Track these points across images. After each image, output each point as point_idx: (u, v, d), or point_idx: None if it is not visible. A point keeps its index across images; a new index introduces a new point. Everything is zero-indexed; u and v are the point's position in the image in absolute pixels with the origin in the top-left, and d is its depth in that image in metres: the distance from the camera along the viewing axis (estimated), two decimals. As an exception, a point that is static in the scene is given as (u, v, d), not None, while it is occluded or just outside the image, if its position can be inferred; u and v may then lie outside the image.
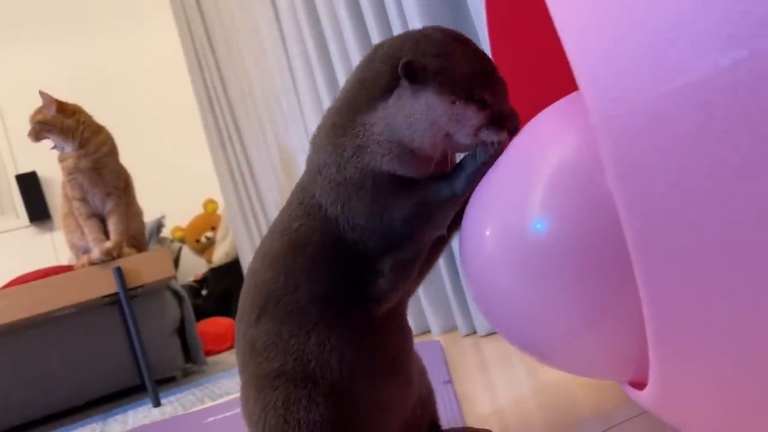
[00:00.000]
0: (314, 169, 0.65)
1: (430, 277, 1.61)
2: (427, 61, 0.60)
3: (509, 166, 0.59)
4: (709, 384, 0.39)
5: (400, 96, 0.61)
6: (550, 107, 0.62)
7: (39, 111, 2.12)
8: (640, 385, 0.52)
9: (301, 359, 0.60)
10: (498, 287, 0.58)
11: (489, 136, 0.60)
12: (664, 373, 0.41)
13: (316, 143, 0.66)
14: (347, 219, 0.62)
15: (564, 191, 0.51)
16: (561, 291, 0.53)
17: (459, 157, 0.66)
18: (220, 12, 2.69)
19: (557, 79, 0.67)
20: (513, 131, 0.61)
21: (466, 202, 0.63)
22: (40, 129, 2.10)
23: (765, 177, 0.28)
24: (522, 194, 0.55)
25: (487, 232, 0.58)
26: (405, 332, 0.68)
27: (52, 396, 2.28)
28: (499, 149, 0.60)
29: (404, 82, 0.60)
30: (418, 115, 0.60)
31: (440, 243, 0.68)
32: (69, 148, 2.11)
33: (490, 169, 0.61)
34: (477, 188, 0.62)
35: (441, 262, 1.51)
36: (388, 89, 0.61)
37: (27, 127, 2.13)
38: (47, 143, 2.17)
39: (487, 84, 0.61)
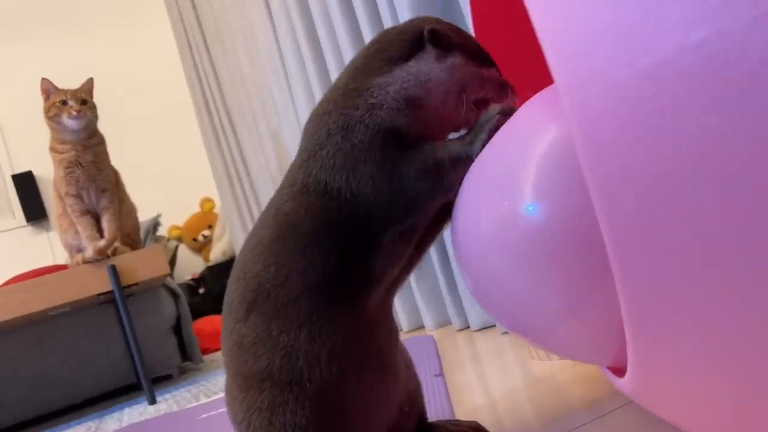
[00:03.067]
0: (314, 144, 0.63)
1: (423, 272, 1.61)
2: (451, 33, 0.66)
3: (502, 149, 0.58)
4: (685, 369, 0.39)
5: (422, 59, 0.65)
6: (541, 93, 0.62)
7: (86, 91, 2.11)
8: (622, 371, 0.52)
9: (290, 356, 0.58)
10: (491, 271, 0.57)
11: (509, 91, 0.68)
12: (641, 360, 0.41)
13: (318, 114, 0.65)
14: (351, 188, 0.60)
15: (556, 175, 0.51)
16: (550, 274, 0.52)
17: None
18: (213, 10, 2.69)
19: (540, 70, 0.67)
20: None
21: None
22: (90, 109, 2.08)
23: (731, 156, 0.28)
24: (515, 177, 0.54)
25: (480, 216, 0.57)
26: (391, 328, 0.67)
27: (48, 395, 2.28)
28: (507, 112, 0.62)
29: (429, 47, 0.65)
30: (443, 74, 0.64)
31: (432, 230, 0.67)
32: (81, 135, 2.08)
33: (482, 153, 0.61)
34: (469, 171, 0.61)
35: (434, 258, 1.51)
36: (408, 55, 0.65)
37: (23, 126, 2.12)
38: (45, 141, 2.14)
39: (492, 61, 0.69)
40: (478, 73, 0.66)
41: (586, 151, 0.32)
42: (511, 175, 0.55)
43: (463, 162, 0.61)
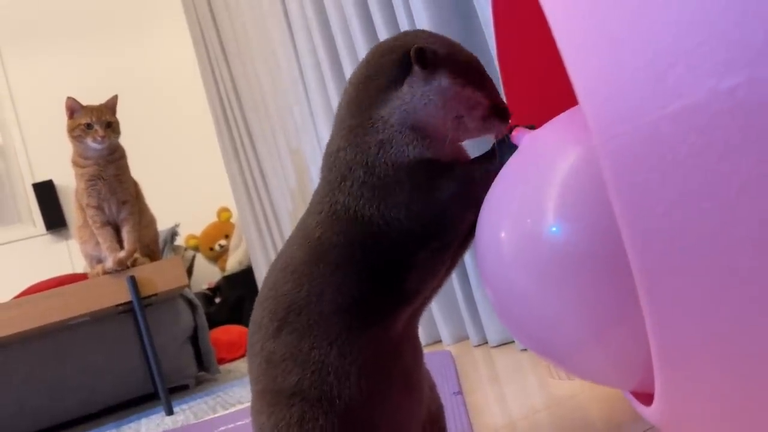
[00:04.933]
0: (336, 176, 0.63)
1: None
2: (437, 48, 0.63)
3: (526, 167, 0.58)
4: (714, 403, 0.39)
5: (413, 83, 0.62)
6: (565, 113, 0.61)
7: (110, 109, 2.12)
8: (648, 397, 0.51)
9: (320, 372, 0.59)
10: (514, 290, 0.57)
11: (494, 124, 0.64)
12: (670, 391, 0.41)
13: (331, 153, 0.65)
14: (383, 216, 0.61)
15: (581, 194, 0.51)
16: (575, 295, 0.52)
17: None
18: (233, 24, 2.72)
19: (566, 90, 0.67)
20: (508, 121, 0.66)
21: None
22: (114, 131, 2.11)
23: (765, 199, 0.28)
24: (538, 196, 0.54)
25: (503, 235, 0.57)
26: (417, 347, 0.68)
27: (65, 403, 2.30)
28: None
29: (416, 69, 0.62)
30: (433, 96, 0.62)
31: (458, 249, 0.67)
32: (104, 153, 2.10)
33: (505, 171, 0.61)
34: (492, 190, 0.61)
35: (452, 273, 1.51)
36: (399, 79, 0.63)
37: (44, 136, 2.14)
38: (66, 150, 2.17)
39: (485, 78, 0.65)
40: (464, 96, 0.63)
41: (617, 190, 0.32)
42: (535, 195, 0.55)
43: (493, 174, 0.62)
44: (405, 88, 0.63)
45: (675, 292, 0.33)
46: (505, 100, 0.77)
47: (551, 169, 0.54)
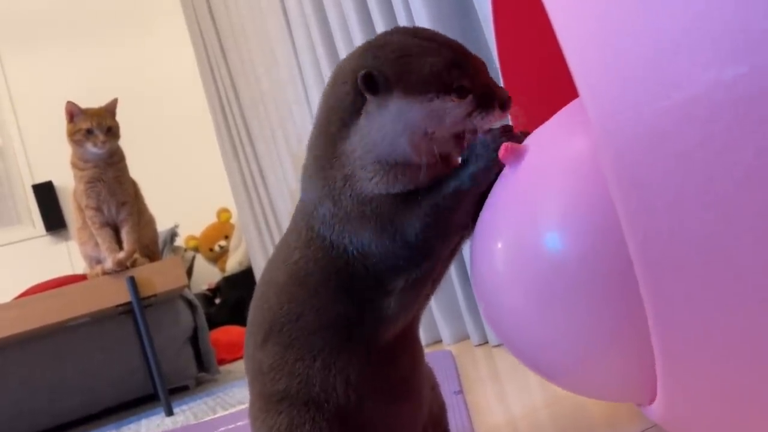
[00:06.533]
0: (310, 203, 0.63)
1: (441, 287, 1.60)
2: (387, 68, 0.57)
3: (521, 179, 0.56)
4: (715, 398, 0.39)
5: (369, 112, 0.58)
6: (560, 113, 0.59)
7: (110, 113, 2.10)
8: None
9: (306, 383, 0.60)
10: (508, 305, 0.56)
11: (482, 121, 0.58)
12: (671, 386, 0.41)
13: (305, 177, 0.64)
14: (357, 248, 0.60)
15: (579, 207, 0.48)
16: (573, 311, 0.50)
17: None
18: (232, 23, 2.72)
19: (565, 86, 0.66)
20: (505, 105, 0.59)
21: (481, 202, 0.59)
22: (114, 136, 2.10)
23: (764, 190, 0.27)
24: (535, 210, 0.52)
25: (499, 248, 0.56)
26: (416, 353, 0.67)
27: (65, 405, 2.29)
28: (497, 134, 0.57)
29: (369, 97, 0.58)
30: (390, 125, 0.57)
31: (449, 254, 0.65)
32: (104, 156, 2.09)
33: (501, 182, 0.58)
34: (487, 202, 0.58)
35: (452, 271, 1.50)
36: (356, 110, 0.59)
37: (44, 137, 2.12)
38: (65, 151, 2.16)
39: (461, 70, 0.57)
40: (428, 110, 0.57)
41: (619, 185, 0.32)
42: (532, 207, 0.53)
43: (464, 195, 0.58)
44: (362, 120, 0.58)
45: (677, 287, 0.33)
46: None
47: (548, 181, 0.52)
